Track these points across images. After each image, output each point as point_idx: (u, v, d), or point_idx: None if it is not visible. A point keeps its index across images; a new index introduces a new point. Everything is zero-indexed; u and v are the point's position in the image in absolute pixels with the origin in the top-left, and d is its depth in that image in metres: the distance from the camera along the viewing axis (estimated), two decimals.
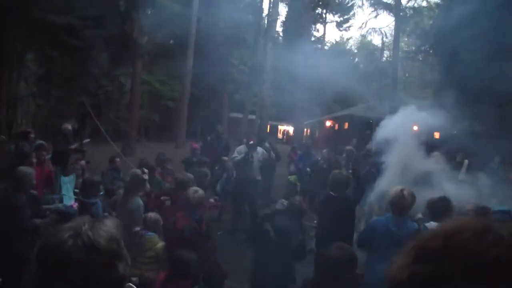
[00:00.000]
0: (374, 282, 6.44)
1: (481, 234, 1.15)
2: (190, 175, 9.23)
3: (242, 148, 12.45)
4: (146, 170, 8.47)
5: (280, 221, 7.03)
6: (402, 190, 6.53)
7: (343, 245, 5.09)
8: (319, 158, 15.73)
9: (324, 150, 16.66)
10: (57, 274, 1.83)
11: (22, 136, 13.93)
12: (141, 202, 7.62)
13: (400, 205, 6.44)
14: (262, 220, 7.58)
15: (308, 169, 15.87)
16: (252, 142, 12.26)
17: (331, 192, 8.06)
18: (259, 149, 12.50)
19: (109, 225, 1.98)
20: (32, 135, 13.99)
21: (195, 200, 6.70)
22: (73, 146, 14.03)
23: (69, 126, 14.82)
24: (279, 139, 61.37)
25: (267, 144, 15.83)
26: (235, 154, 12.38)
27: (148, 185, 8.87)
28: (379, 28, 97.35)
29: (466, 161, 14.71)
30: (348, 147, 15.87)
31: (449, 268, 1.11)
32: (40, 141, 12.97)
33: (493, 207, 7.52)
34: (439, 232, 1.23)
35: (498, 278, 1.07)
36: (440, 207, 6.32)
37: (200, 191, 6.90)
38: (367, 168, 14.21)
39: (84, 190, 8.44)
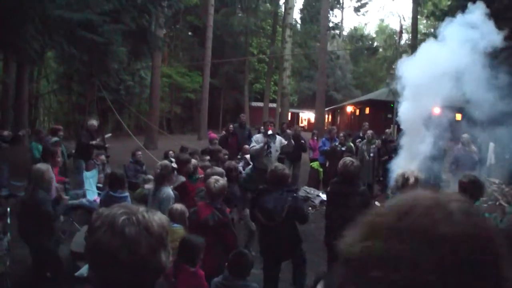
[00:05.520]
0: None
1: (430, 210, 1.15)
2: (220, 169, 9.18)
3: (259, 136, 12.34)
4: (173, 159, 8.47)
5: (266, 202, 7.09)
6: (405, 172, 6.57)
7: None
8: (337, 144, 15.68)
9: (341, 134, 16.64)
10: (107, 246, 1.87)
11: (52, 133, 14.06)
12: (171, 193, 7.62)
13: (405, 186, 6.48)
14: (251, 207, 7.63)
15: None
16: (270, 131, 12.13)
17: (340, 182, 7.81)
18: (278, 137, 12.41)
19: (161, 216, 2.04)
20: (61, 133, 14.10)
21: (216, 190, 6.70)
22: (93, 142, 14.14)
23: (94, 122, 15.00)
24: (301, 126, 61.37)
25: (289, 131, 15.83)
26: (253, 143, 12.27)
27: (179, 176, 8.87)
28: (397, 12, 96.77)
29: (492, 144, 14.51)
30: (369, 132, 15.78)
31: (397, 245, 1.10)
32: (54, 139, 13.10)
33: None
34: (391, 208, 1.22)
35: (445, 253, 1.07)
36: (471, 189, 6.27)
37: (221, 181, 6.89)
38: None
39: (112, 185, 8.48)
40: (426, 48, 10.24)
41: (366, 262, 1.13)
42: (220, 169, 8.87)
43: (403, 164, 9.36)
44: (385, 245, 1.13)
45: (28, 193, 7.49)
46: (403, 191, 4.98)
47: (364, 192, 7.68)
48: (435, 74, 9.18)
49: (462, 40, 9.06)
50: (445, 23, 9.74)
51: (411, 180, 6.50)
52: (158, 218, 1.98)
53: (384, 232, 1.15)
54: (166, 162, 8.23)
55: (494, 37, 8.99)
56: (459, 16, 9.56)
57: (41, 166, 7.66)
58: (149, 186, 10.19)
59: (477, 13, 9.32)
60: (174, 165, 8.13)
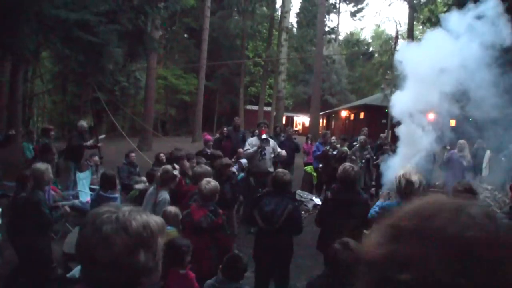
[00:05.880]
0: None
1: (454, 215, 1.15)
2: (206, 167, 9.18)
3: (254, 140, 12.36)
4: (176, 166, 8.48)
5: (265, 205, 7.09)
6: (407, 174, 6.49)
7: (350, 242, 4.88)
8: (328, 148, 15.60)
9: (332, 138, 16.56)
10: (86, 243, 1.92)
11: (43, 133, 14.01)
12: (167, 197, 7.63)
13: (407, 190, 6.43)
14: (250, 208, 7.62)
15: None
16: (264, 135, 12.14)
17: (342, 189, 7.65)
18: (271, 141, 12.42)
19: (151, 217, 2.04)
20: (53, 133, 14.03)
21: (207, 191, 6.70)
22: (86, 143, 14.05)
23: (84, 123, 14.90)
24: (295, 130, 61.37)
25: (282, 138, 15.75)
26: (247, 146, 12.29)
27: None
28: (393, 17, 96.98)
29: (487, 153, 14.44)
30: (361, 137, 15.73)
31: (426, 249, 1.10)
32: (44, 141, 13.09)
33: None
34: (414, 211, 1.22)
35: (473, 259, 1.07)
36: (465, 196, 6.23)
37: (213, 182, 6.90)
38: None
39: (103, 185, 8.50)
40: (431, 36, 9.92)
41: (392, 265, 1.13)
42: (208, 168, 8.87)
43: (396, 166, 9.29)
44: (412, 249, 1.13)
45: (27, 193, 7.45)
46: (405, 194, 4.87)
47: (366, 201, 7.65)
48: (436, 65, 8.99)
49: (469, 33, 8.82)
50: (453, 12, 9.41)
51: (416, 182, 6.42)
52: (141, 217, 1.97)
53: (409, 235, 1.15)
54: (168, 167, 8.23)
55: (504, 34, 8.71)
56: (471, 7, 9.22)
57: (41, 166, 7.60)
58: (139, 186, 10.18)
59: (489, 6, 9.01)
60: (176, 172, 8.12)
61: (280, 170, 8.06)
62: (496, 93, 8.20)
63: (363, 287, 1.23)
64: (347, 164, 7.78)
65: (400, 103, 9.77)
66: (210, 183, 6.84)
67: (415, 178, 6.39)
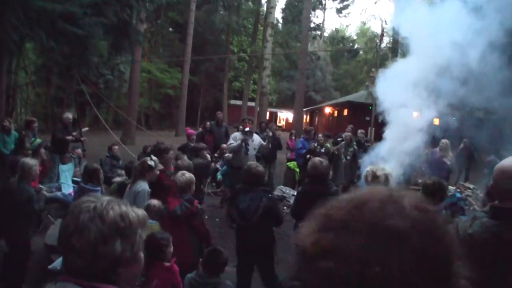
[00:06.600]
0: None
1: (383, 205, 1.15)
2: (189, 161, 9.22)
3: (237, 134, 12.38)
4: (154, 158, 8.49)
5: (240, 202, 7.15)
6: (374, 171, 6.61)
7: None
8: (316, 144, 15.57)
9: (319, 135, 16.55)
10: (65, 231, 1.96)
11: (26, 125, 13.95)
12: (147, 187, 7.63)
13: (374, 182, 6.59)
14: (227, 205, 7.67)
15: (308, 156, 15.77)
16: (248, 128, 12.18)
17: (311, 182, 7.78)
18: (256, 136, 12.45)
19: (131, 209, 2.06)
20: (36, 125, 13.97)
21: (180, 182, 6.77)
22: (70, 137, 13.95)
23: (69, 115, 14.82)
24: (279, 126, 61.37)
25: (269, 133, 15.72)
26: (231, 140, 12.31)
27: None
28: (379, 15, 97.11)
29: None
30: (347, 134, 15.74)
31: (347, 238, 1.10)
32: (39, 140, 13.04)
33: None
34: (346, 201, 1.22)
35: (393, 246, 1.07)
36: (434, 191, 6.29)
37: (188, 174, 6.95)
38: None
39: (85, 177, 8.49)
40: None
41: (317, 254, 1.12)
42: (188, 161, 8.95)
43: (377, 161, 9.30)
44: (335, 237, 1.12)
45: (13, 186, 7.43)
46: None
47: (336, 192, 7.70)
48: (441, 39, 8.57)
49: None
50: None
51: (381, 176, 6.54)
52: (119, 207, 2.00)
53: (335, 225, 1.15)
54: (146, 158, 8.26)
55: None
56: None
57: (30, 161, 7.60)
58: (117, 179, 10.22)
59: None
60: (151, 162, 8.13)
61: (251, 162, 8.12)
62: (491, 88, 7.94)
63: (299, 276, 1.21)
64: (316, 159, 7.88)
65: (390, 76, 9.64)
66: (184, 175, 6.90)
67: (377, 173, 6.54)
